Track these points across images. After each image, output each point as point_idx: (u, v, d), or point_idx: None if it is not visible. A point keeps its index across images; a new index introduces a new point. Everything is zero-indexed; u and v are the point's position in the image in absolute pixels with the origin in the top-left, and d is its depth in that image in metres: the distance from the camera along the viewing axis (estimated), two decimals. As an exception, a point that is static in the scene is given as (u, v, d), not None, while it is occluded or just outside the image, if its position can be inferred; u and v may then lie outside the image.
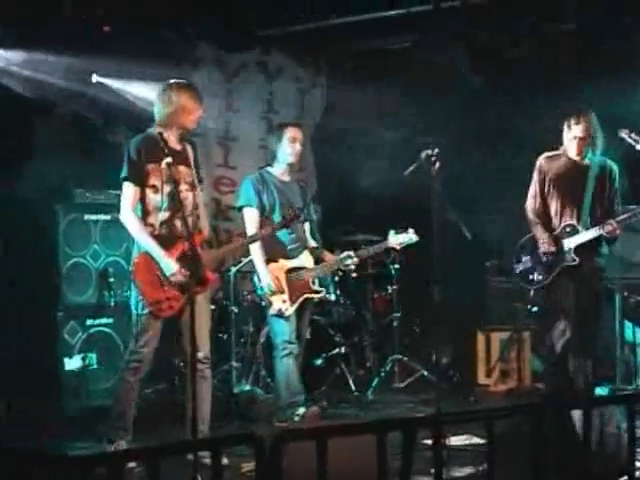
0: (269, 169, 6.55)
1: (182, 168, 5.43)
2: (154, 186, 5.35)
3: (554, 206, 6.31)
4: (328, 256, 6.63)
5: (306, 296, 6.42)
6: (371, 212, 8.42)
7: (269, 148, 6.74)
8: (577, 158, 6.26)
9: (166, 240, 5.34)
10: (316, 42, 8.71)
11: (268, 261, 6.33)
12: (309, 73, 9.19)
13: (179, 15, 7.83)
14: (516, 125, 7.80)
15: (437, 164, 5.72)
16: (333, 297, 7.48)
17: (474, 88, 8.33)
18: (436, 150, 5.73)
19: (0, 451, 2.62)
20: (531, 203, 6.38)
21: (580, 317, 6.16)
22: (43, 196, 6.56)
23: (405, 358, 7.89)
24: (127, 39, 7.39)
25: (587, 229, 6.17)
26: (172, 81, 5.55)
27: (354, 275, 8.00)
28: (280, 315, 6.28)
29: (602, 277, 6.36)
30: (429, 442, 3.07)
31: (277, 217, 6.35)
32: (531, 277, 6.37)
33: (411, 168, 5.97)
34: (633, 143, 6.05)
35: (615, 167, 6.31)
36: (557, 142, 6.30)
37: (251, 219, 6.37)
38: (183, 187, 5.38)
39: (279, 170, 6.52)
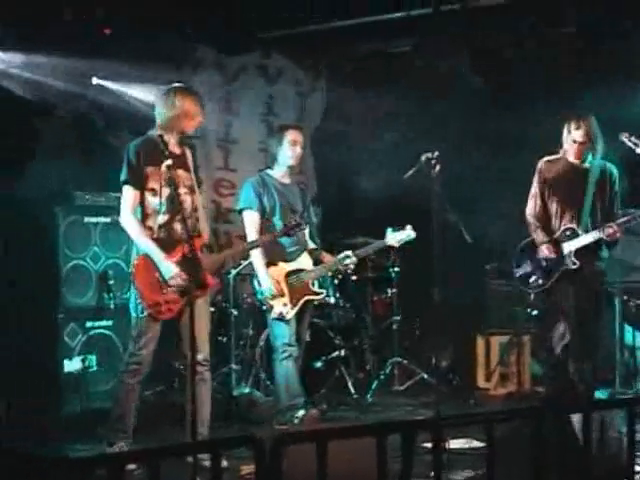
0: (269, 172, 6.56)
1: (181, 172, 5.43)
2: (153, 189, 5.35)
3: (554, 210, 6.30)
4: (327, 257, 6.62)
5: (307, 298, 6.42)
6: (371, 215, 8.41)
7: (269, 151, 6.74)
8: (577, 162, 6.26)
9: (166, 243, 5.34)
10: (316, 45, 8.72)
11: (268, 264, 6.33)
12: (309, 76, 9.19)
13: (179, 18, 7.83)
14: (516, 127, 7.80)
15: (437, 167, 5.72)
16: (333, 300, 7.48)
17: (474, 90, 8.33)
18: (436, 153, 5.73)
19: (0, 451, 2.62)
20: (531, 207, 6.38)
21: (580, 321, 6.15)
22: (43, 198, 6.56)
23: (405, 361, 7.89)
24: (127, 41, 7.39)
25: (587, 232, 6.16)
26: (175, 85, 5.55)
27: (354, 278, 8.01)
28: (281, 319, 6.28)
29: (602, 281, 6.35)
30: (429, 445, 3.07)
31: (277, 220, 6.35)
32: (531, 281, 6.35)
33: (411, 171, 5.98)
34: (633, 147, 6.04)
35: (615, 170, 6.30)
36: (557, 144, 6.29)
37: (251, 222, 6.37)
38: (182, 190, 5.37)
39: (279, 173, 6.52)
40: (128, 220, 5.34)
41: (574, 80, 7.86)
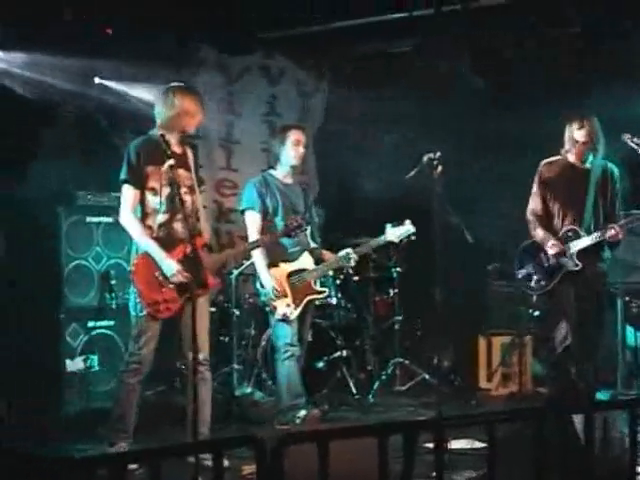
0: (272, 172, 6.55)
1: (182, 171, 5.42)
2: (153, 188, 5.35)
3: (556, 211, 6.28)
4: (328, 255, 6.62)
5: (309, 298, 6.41)
6: (373, 215, 8.40)
7: (272, 151, 6.74)
8: (578, 162, 6.25)
9: (165, 242, 5.34)
10: (318, 45, 8.71)
11: (269, 265, 6.32)
12: (311, 76, 9.18)
13: (181, 18, 7.82)
14: (517, 128, 7.79)
15: (439, 167, 5.72)
16: (334, 300, 7.48)
17: (475, 90, 8.33)
18: (438, 153, 5.73)
19: (0, 451, 2.62)
20: (533, 208, 6.36)
21: (582, 322, 6.14)
22: (45, 198, 6.57)
23: (406, 361, 7.89)
24: (129, 42, 7.39)
25: (589, 234, 6.14)
26: (174, 84, 5.55)
27: (355, 278, 8.01)
28: (285, 319, 6.28)
29: (605, 282, 6.33)
30: (430, 446, 3.07)
31: (280, 220, 6.35)
32: (533, 283, 6.32)
33: (413, 172, 5.97)
34: (635, 147, 6.01)
35: (616, 170, 6.29)
36: (558, 144, 6.28)
37: (253, 222, 6.37)
38: (182, 190, 5.36)
39: (282, 173, 6.52)
40: (128, 219, 5.34)
41: (574, 80, 7.85)
